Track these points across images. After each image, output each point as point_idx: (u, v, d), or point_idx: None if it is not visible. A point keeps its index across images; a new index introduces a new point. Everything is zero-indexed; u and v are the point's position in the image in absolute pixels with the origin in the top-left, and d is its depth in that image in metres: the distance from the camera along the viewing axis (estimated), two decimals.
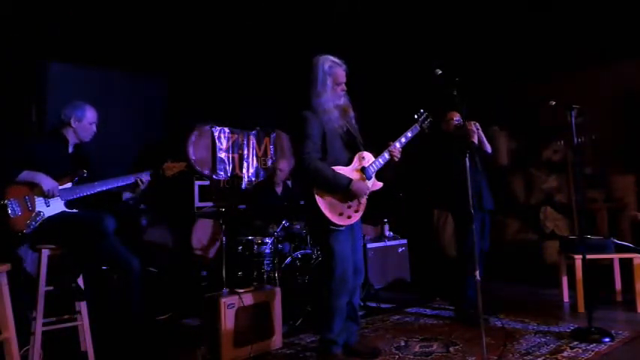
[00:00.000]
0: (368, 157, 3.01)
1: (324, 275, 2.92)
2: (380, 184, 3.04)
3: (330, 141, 2.90)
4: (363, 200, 2.94)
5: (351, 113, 3.04)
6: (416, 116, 3.16)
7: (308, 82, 2.95)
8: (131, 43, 4.55)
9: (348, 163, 2.95)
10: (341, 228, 2.84)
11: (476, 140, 3.80)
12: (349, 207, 2.88)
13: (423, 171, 3.38)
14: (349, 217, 2.88)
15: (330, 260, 2.87)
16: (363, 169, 2.96)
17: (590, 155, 5.44)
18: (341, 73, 2.95)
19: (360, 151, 3.01)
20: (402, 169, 3.23)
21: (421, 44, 5.77)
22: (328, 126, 2.90)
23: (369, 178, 2.96)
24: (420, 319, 4.00)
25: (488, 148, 3.94)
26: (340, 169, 2.87)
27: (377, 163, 3.00)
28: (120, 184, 3.08)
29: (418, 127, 3.15)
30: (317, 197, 2.82)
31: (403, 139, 3.08)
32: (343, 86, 2.97)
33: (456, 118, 3.96)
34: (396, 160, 3.02)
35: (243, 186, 5.44)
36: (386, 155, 3.01)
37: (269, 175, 5.09)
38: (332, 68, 2.93)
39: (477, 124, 3.86)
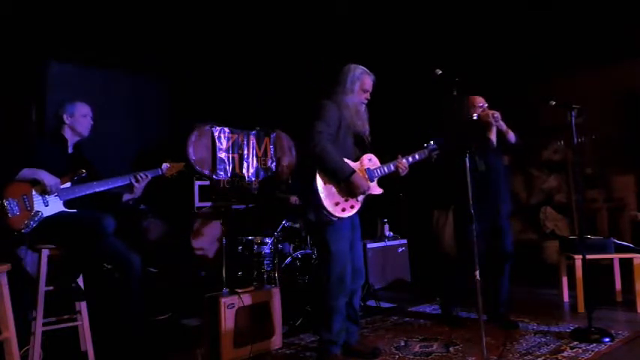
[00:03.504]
0: (374, 161, 3.07)
1: (321, 275, 2.92)
2: (380, 190, 3.06)
3: (343, 134, 2.95)
4: (361, 198, 2.95)
5: (367, 126, 3.07)
6: (425, 145, 3.20)
7: (335, 82, 3.02)
8: (131, 44, 4.55)
9: (355, 160, 3.00)
10: (333, 219, 2.84)
11: (493, 136, 3.61)
12: (346, 200, 2.89)
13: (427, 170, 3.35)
14: (344, 209, 2.87)
15: (327, 260, 2.87)
16: (367, 170, 3.00)
17: (590, 155, 5.44)
18: (369, 81, 3.03)
19: (369, 153, 3.06)
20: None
21: (421, 44, 5.77)
22: (345, 120, 2.95)
23: (371, 181, 2.99)
24: (420, 319, 4.00)
25: (512, 137, 3.61)
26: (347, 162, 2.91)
27: (382, 169, 3.05)
28: (118, 184, 3.08)
29: (426, 153, 3.19)
30: (318, 179, 2.83)
31: (411, 158, 3.12)
32: (368, 95, 3.04)
33: (480, 103, 3.69)
34: (401, 174, 3.07)
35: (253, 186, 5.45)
36: (392, 166, 3.06)
37: (276, 175, 5.11)
38: (362, 74, 3.01)
39: (497, 114, 3.57)
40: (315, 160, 2.83)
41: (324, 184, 2.85)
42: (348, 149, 2.99)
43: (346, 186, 2.86)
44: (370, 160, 3.05)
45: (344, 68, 3.04)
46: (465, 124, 3.64)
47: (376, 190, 3.04)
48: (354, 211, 2.94)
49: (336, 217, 2.85)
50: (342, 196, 2.88)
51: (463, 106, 3.73)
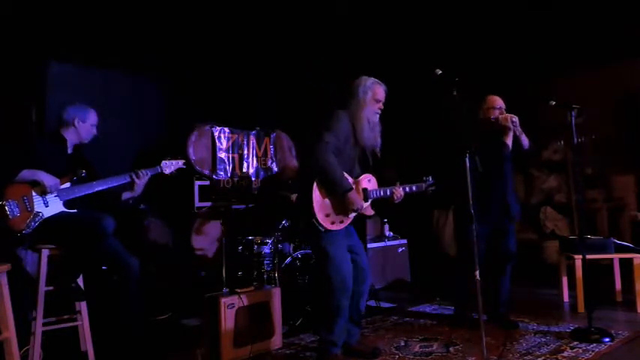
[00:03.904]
0: (373, 183, 3.10)
1: (321, 279, 2.91)
2: (372, 212, 3.09)
3: (350, 149, 2.97)
4: (352, 215, 2.96)
5: (379, 139, 3.07)
6: (424, 178, 3.20)
7: (347, 96, 3.05)
8: (131, 44, 4.55)
9: (354, 178, 3.01)
10: (320, 229, 2.85)
11: (510, 141, 3.57)
12: (337, 214, 2.91)
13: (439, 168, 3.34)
14: (333, 222, 2.90)
15: (326, 263, 2.86)
16: (365, 191, 3.02)
17: (590, 155, 5.44)
18: (381, 91, 3.04)
19: (369, 173, 3.09)
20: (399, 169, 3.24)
21: (421, 44, 5.77)
22: (356, 133, 2.96)
23: (366, 201, 3.01)
24: (420, 319, 4.00)
25: (526, 143, 3.58)
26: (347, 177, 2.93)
27: (378, 192, 3.07)
28: (118, 183, 3.09)
29: (423, 187, 3.18)
30: (315, 189, 2.85)
31: (408, 189, 3.12)
32: (381, 105, 3.05)
33: (499, 105, 3.62)
34: (395, 201, 3.07)
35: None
36: (388, 191, 3.07)
37: (281, 174, 5.10)
38: (373, 84, 3.03)
39: (515, 117, 3.52)
40: (317, 169, 2.85)
41: (320, 194, 2.87)
42: (351, 165, 3.01)
43: (342, 201, 2.87)
44: (369, 181, 3.08)
45: (355, 81, 3.05)
46: (468, 123, 3.61)
47: (369, 211, 3.07)
48: (342, 226, 2.95)
49: (324, 227, 2.86)
50: (334, 210, 2.90)
51: (480, 105, 3.70)
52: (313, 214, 2.83)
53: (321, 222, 2.84)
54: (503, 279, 3.67)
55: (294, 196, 4.48)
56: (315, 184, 2.86)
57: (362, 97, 2.99)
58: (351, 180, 2.94)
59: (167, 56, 4.83)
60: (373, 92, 3.00)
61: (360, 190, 3.01)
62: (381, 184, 3.13)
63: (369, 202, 3.05)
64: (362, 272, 3.05)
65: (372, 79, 3.05)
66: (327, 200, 2.88)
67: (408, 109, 6.25)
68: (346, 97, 3.05)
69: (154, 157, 3.34)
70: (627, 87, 5.21)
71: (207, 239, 5.00)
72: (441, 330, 3.61)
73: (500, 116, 3.58)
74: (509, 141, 3.59)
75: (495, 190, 3.57)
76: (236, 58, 5.28)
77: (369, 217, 3.12)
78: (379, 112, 3.05)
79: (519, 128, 3.55)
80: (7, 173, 2.77)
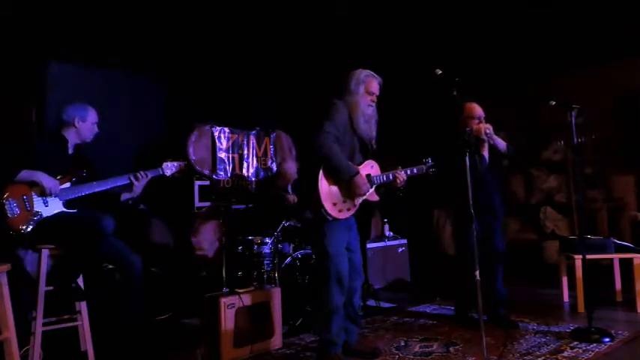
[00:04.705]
0: (376, 169, 3.12)
1: (319, 276, 2.94)
2: (377, 198, 3.10)
3: (350, 137, 3.00)
4: (358, 202, 2.98)
5: (374, 131, 3.09)
6: (424, 160, 3.22)
7: (343, 88, 3.06)
8: (131, 44, 4.55)
9: (357, 165, 3.02)
10: (329, 218, 2.87)
11: (486, 152, 3.58)
12: (344, 202, 2.93)
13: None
14: (340, 210, 2.92)
15: (325, 261, 2.90)
16: (368, 176, 3.03)
17: (590, 155, 5.44)
18: (374, 83, 3.05)
19: (371, 159, 3.10)
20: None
21: (421, 44, 5.77)
22: (352, 122, 2.99)
23: (370, 186, 3.03)
24: (420, 319, 4.00)
25: (502, 146, 3.61)
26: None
27: (381, 177, 3.08)
28: (118, 183, 3.09)
29: (424, 169, 3.19)
30: (321, 177, 2.87)
31: (409, 171, 3.14)
32: (374, 97, 3.06)
33: (478, 114, 3.61)
34: (398, 185, 3.09)
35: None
36: (390, 176, 3.09)
37: (274, 177, 5.11)
38: (367, 77, 3.05)
39: (489, 128, 3.55)
40: (321, 159, 2.87)
41: (327, 183, 2.89)
42: (353, 152, 3.03)
43: (348, 186, 2.89)
44: (372, 167, 3.10)
45: (350, 73, 3.06)
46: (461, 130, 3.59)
47: (373, 196, 3.08)
48: (350, 214, 2.98)
49: (332, 216, 2.88)
50: (341, 198, 2.93)
51: (458, 113, 3.67)
52: (321, 204, 2.85)
53: (329, 211, 2.87)
54: (496, 279, 3.66)
55: (290, 197, 4.49)
56: (321, 174, 2.88)
57: (354, 89, 3.00)
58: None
59: (167, 56, 4.82)
60: (366, 85, 3.02)
61: (363, 176, 3.01)
62: (383, 171, 3.15)
63: (373, 188, 3.06)
64: (355, 269, 3.08)
65: (366, 72, 3.06)
66: (333, 188, 2.91)
67: (407, 108, 6.25)
68: (341, 88, 3.06)
69: (154, 157, 3.34)
70: (627, 87, 5.21)
71: (207, 239, 5.00)
72: (441, 330, 3.61)
73: (474, 127, 3.57)
74: (486, 152, 3.60)
75: (480, 194, 3.55)
76: (236, 58, 5.27)
77: (374, 203, 3.11)
78: (372, 104, 3.06)
79: (494, 137, 3.56)
80: (7, 173, 2.77)
